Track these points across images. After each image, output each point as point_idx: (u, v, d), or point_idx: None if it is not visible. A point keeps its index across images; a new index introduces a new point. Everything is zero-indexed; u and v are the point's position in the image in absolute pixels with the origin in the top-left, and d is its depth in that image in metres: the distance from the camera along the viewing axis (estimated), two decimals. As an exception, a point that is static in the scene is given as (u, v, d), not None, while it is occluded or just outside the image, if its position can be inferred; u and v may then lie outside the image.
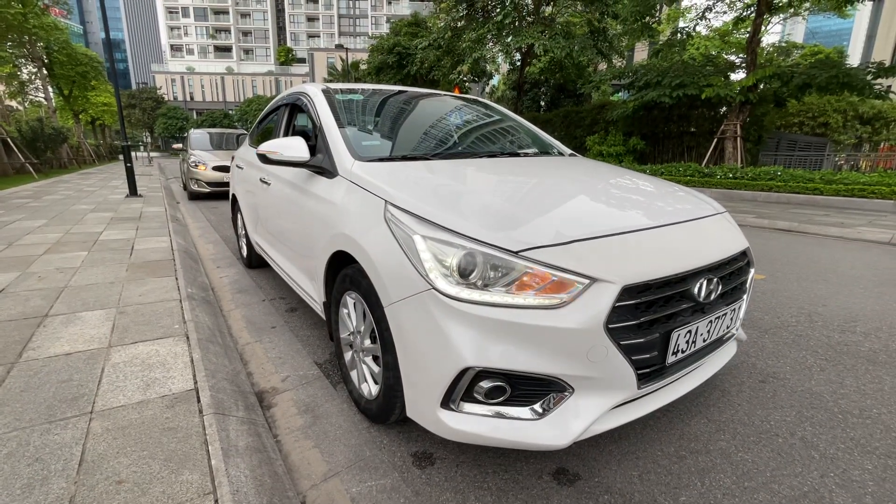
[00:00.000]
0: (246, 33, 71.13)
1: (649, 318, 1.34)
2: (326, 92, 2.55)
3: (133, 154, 8.89)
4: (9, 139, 13.89)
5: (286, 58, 67.33)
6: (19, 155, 13.90)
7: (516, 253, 1.28)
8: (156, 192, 9.34)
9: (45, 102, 23.15)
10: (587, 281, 1.26)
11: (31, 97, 23.78)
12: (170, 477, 1.34)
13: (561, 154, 2.78)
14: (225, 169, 8.73)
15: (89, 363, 2.01)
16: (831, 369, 2.22)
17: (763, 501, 1.39)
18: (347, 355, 1.95)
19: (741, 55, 13.81)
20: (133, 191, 8.64)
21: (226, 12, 68.46)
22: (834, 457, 1.59)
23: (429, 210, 1.46)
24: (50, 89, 22.94)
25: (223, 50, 70.26)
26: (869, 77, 10.62)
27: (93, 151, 24.32)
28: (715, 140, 12.58)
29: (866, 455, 1.60)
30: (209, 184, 8.96)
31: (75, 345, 2.19)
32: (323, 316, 2.17)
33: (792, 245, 5.21)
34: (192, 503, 1.24)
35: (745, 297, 1.73)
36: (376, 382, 1.72)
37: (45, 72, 21.02)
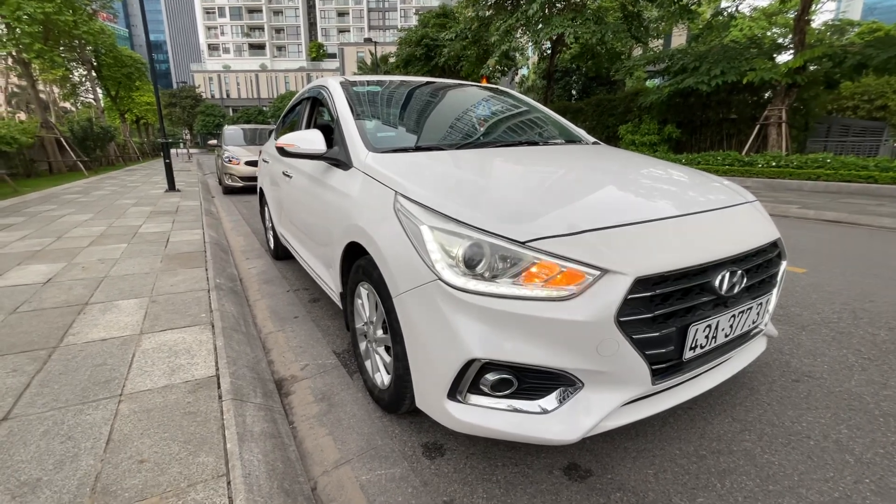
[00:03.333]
0: (279, 30, 72.71)
1: (665, 312, 1.28)
2: (344, 84, 2.57)
3: (174, 151, 9.28)
4: (62, 138, 14.82)
5: (317, 53, 68.44)
6: (71, 153, 14.81)
7: (523, 243, 1.25)
8: (192, 187, 9.74)
9: (94, 103, 24.54)
10: (598, 272, 1.22)
11: (81, 98, 25.21)
12: (187, 458, 1.39)
13: (582, 142, 2.69)
14: (257, 164, 8.99)
15: (122, 349, 2.12)
16: (874, 369, 2.07)
17: (788, 506, 1.32)
18: (362, 345, 1.97)
19: (789, 36, 12.96)
20: (171, 186, 9.04)
21: (259, 10, 70.15)
22: (871, 462, 1.49)
23: (437, 200, 1.44)
24: (98, 91, 24.28)
25: (257, 48, 72.15)
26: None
27: (137, 149, 25.63)
28: (757, 127, 11.91)
29: (908, 462, 1.49)
30: (242, 178, 9.26)
31: (111, 331, 2.32)
32: (341, 306, 2.21)
33: (839, 237, 4.88)
34: (205, 484, 1.29)
35: (774, 290, 1.63)
36: (388, 372, 1.73)
37: (93, 74, 22.23)
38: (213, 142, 11.72)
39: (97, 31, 18.59)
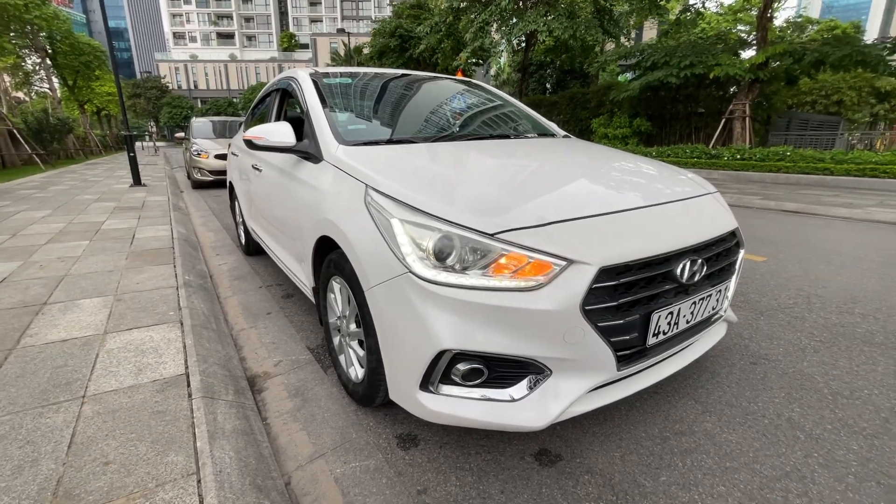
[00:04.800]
0: (248, 19, 70.45)
1: (628, 300, 1.32)
2: (314, 76, 2.52)
3: (139, 144, 8.93)
4: (15, 130, 14.00)
5: (289, 43, 66.67)
6: (26, 146, 14.02)
7: (492, 235, 1.27)
8: (160, 182, 9.40)
9: (51, 93, 23.27)
10: (563, 262, 1.25)
11: (35, 88, 23.88)
12: (155, 458, 1.37)
13: (553, 136, 2.73)
14: (227, 157, 8.75)
15: (84, 349, 2.05)
16: (825, 351, 2.20)
17: (743, 481, 1.39)
18: (336, 339, 1.97)
19: (753, 33, 13.41)
20: (137, 180, 8.70)
21: (227, -2, 67.80)
22: (819, 437, 1.59)
23: (407, 193, 1.44)
24: (55, 80, 23.02)
25: (226, 37, 69.75)
26: (885, 53, 10.26)
27: (99, 142, 24.48)
28: (723, 121, 12.32)
29: (853, 435, 1.59)
30: (212, 172, 8.99)
31: (72, 332, 2.23)
32: (314, 301, 2.19)
33: (798, 227, 5.12)
34: (175, 483, 1.27)
35: (733, 278, 1.71)
36: (362, 366, 1.73)
37: (48, 62, 21.06)
38: (181, 134, 11.35)
39: (51, 15, 17.60)
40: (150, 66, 79.03)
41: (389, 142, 2.08)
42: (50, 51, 20.65)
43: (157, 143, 31.31)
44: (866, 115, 11.57)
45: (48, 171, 12.21)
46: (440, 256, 1.30)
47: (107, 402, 1.65)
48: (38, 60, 20.79)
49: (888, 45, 10.34)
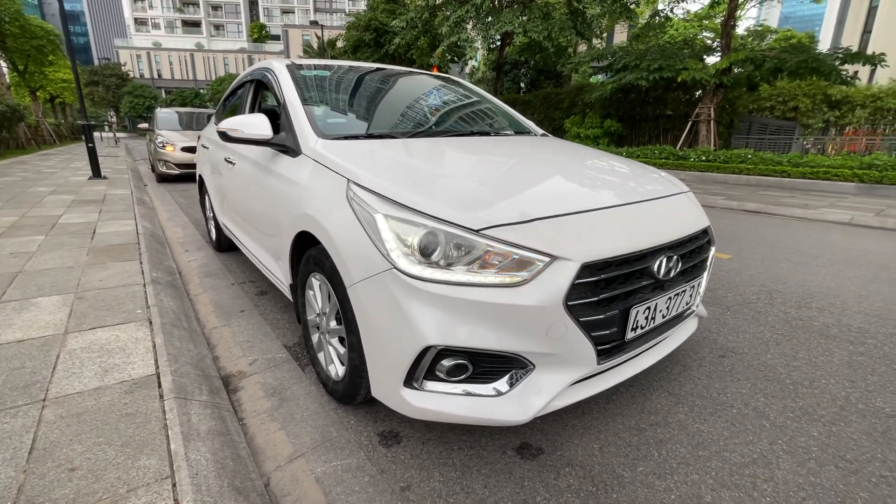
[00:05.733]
0: (216, 7, 67.87)
1: (608, 295, 1.35)
2: (291, 67, 2.46)
3: (98, 135, 8.48)
4: (-42, 117, 13.05)
5: (259, 34, 64.71)
6: (-29, 134, 13.10)
7: (477, 231, 1.28)
8: (122, 175, 8.96)
9: (-2, 78, 21.76)
10: (547, 259, 1.27)
11: (-19, 72, 22.29)
12: (126, 462, 1.31)
13: (532, 134, 2.76)
14: (195, 150, 8.42)
15: (43, 350, 1.94)
16: (786, 343, 2.32)
17: (715, 469, 1.46)
18: (314, 337, 1.93)
19: (717, 39, 13.93)
20: (97, 172, 8.28)
21: (193, -16, 65.12)
22: (783, 425, 1.67)
23: (391, 189, 1.43)
24: (3, 64, 21.53)
25: (192, 25, 67.02)
26: (837, 62, 10.87)
27: (53, 131, 23.10)
28: (689, 123, 12.77)
29: (812, 423, 1.69)
30: (178, 165, 8.64)
31: (28, 332, 2.10)
32: (291, 298, 2.14)
33: (758, 226, 5.38)
34: (148, 488, 1.22)
35: (705, 274, 1.78)
36: (342, 364, 1.71)
37: (-4, 45, 19.70)
38: (145, 125, 10.84)
39: (-2, -5, 16.46)
40: (110, 52, 75.07)
41: (369, 136, 2.06)
42: (-3, 33, 19.31)
43: (118, 134, 29.82)
44: (819, 121, 12.24)
45: (-4, 162, 11.44)
46: (425, 252, 1.29)
47: (70, 405, 1.57)
48: (-16, 43, 19.41)
49: (840, 55, 10.95)
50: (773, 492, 1.36)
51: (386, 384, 1.41)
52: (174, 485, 1.23)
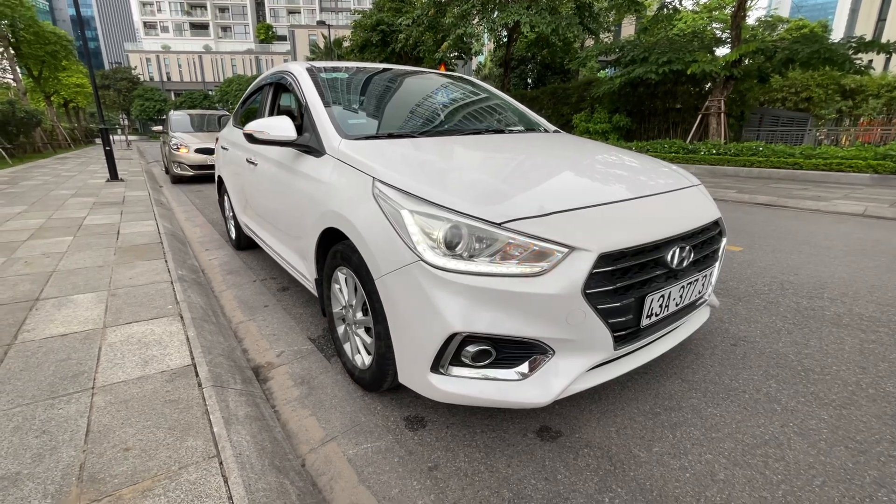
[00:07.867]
0: (223, 9, 68.49)
1: (624, 284, 1.42)
2: (311, 70, 2.55)
3: (111, 137, 8.68)
4: (-21, 123, 13.41)
5: (266, 35, 65.16)
6: (-9, 140, 13.45)
7: (499, 224, 1.35)
8: (137, 177, 9.17)
9: (15, 84, 22.25)
10: (566, 249, 1.34)
11: (-2, 78, 22.82)
12: (174, 443, 1.41)
13: (545, 131, 2.83)
14: (208, 151, 8.60)
15: (86, 343, 2.05)
16: (798, 332, 2.36)
17: (728, 449, 1.52)
18: (340, 329, 2.02)
19: (727, 31, 13.80)
20: (114, 175, 8.48)
21: (200, -13, 65.72)
22: (794, 409, 1.73)
23: (416, 185, 1.51)
24: (18, 70, 22.01)
25: (199, 27, 67.69)
26: (850, 52, 10.72)
27: (68, 135, 23.56)
28: (699, 116, 12.69)
29: (823, 406, 1.74)
30: (192, 167, 8.82)
31: (70, 326, 2.22)
32: (315, 293, 2.23)
33: (770, 218, 5.38)
34: (197, 465, 1.32)
35: (716, 264, 1.83)
36: (369, 353, 1.79)
37: (11, 52, 20.13)
38: (158, 128, 11.06)
39: (13, 2, 16.83)
40: (120, 56, 76.13)
41: (390, 136, 2.14)
42: (13, 39, 19.72)
43: (130, 137, 30.30)
44: (832, 111, 12.10)
45: (16, 166, 11.75)
46: (450, 245, 1.37)
47: (117, 392, 1.68)
48: (1, 49, 19.83)
49: (853, 45, 10.80)
50: (784, 470, 1.42)
51: (413, 370, 1.50)
52: (221, 463, 1.33)
